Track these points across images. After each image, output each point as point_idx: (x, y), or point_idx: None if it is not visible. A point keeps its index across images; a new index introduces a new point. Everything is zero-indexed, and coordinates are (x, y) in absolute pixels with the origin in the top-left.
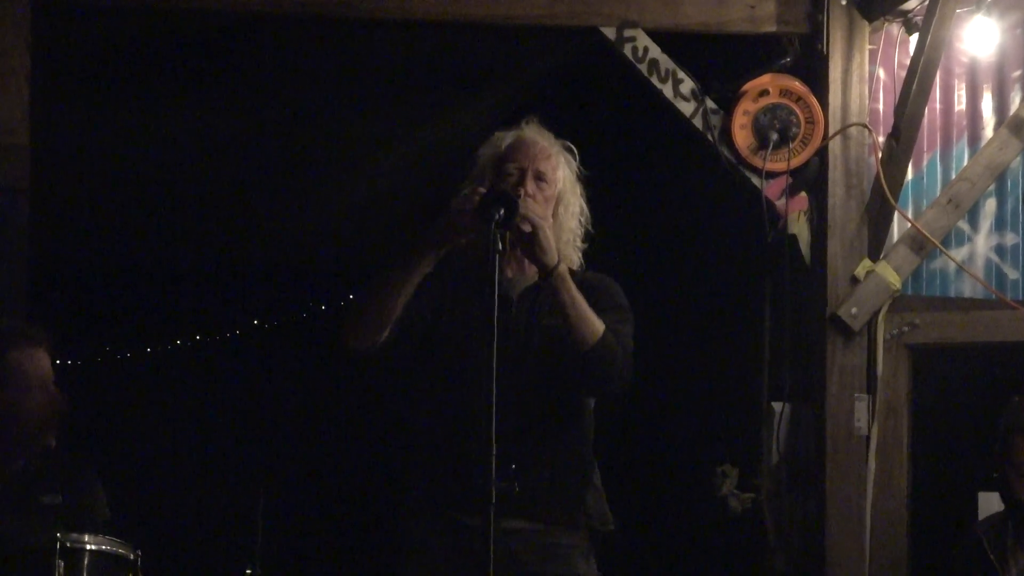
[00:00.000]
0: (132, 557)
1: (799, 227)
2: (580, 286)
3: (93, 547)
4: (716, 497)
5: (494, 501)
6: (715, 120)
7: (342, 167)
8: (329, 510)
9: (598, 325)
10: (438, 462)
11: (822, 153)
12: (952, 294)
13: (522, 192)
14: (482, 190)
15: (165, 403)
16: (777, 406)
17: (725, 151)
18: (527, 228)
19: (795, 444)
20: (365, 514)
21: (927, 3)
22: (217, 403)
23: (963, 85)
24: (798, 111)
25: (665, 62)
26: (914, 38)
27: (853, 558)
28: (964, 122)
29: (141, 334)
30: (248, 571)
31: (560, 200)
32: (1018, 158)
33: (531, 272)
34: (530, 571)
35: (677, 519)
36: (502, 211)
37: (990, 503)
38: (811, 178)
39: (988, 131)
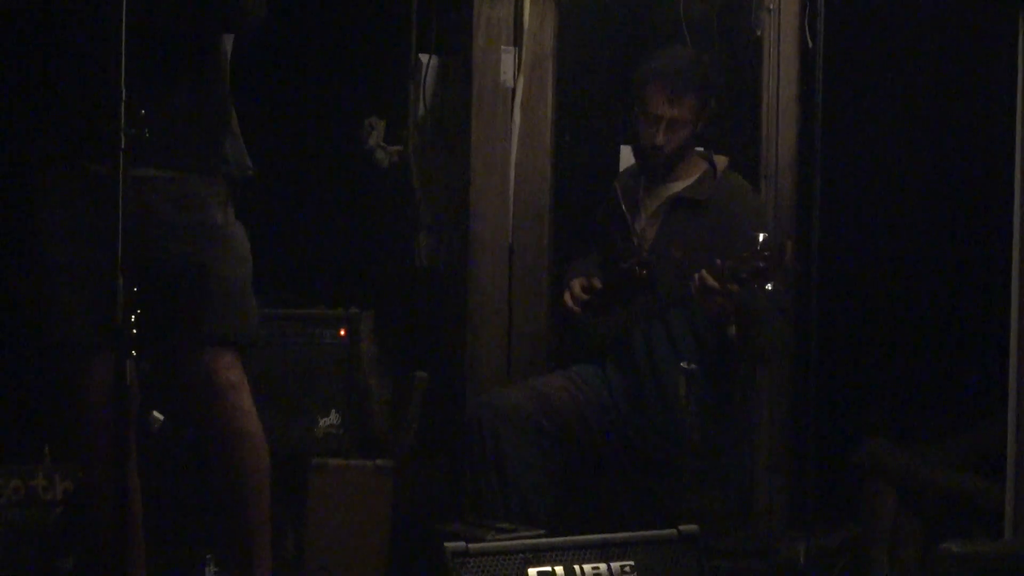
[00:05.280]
0: None
1: None
2: None
3: None
4: (363, 149)
5: (123, 147)
6: None
7: None
8: None
9: None
10: (67, 108)
11: None
12: None
13: None
14: None
15: None
16: (424, 58)
17: None
18: None
19: (442, 97)
20: None
21: None
22: None
23: None
24: None
25: None
26: None
27: (497, 211)
28: None
29: None
30: None
31: None
32: None
33: None
34: (165, 220)
35: (322, 169)
36: None
37: (631, 157)
38: None
39: None
